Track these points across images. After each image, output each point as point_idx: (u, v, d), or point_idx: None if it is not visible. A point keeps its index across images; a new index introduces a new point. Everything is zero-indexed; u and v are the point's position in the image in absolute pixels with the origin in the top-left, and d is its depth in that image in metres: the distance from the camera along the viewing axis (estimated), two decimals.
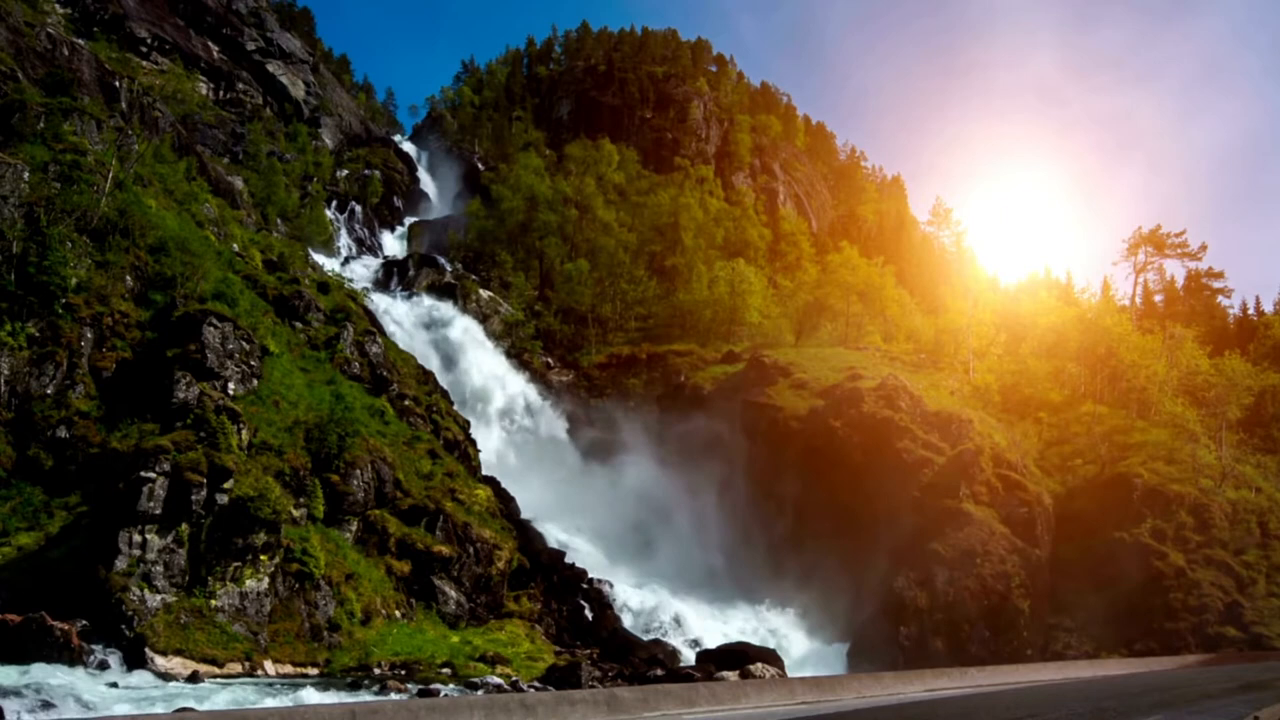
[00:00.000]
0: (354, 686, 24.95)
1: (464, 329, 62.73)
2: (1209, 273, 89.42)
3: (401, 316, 61.66)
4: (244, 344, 34.24)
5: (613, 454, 56.37)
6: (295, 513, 30.80)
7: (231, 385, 32.96)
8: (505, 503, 42.32)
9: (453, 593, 35.32)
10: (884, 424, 48.82)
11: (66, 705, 18.98)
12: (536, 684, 28.06)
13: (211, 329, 33.04)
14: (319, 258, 67.54)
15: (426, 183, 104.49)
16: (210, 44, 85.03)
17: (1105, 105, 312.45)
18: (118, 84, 55.72)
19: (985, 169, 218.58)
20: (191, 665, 24.46)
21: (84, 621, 24.34)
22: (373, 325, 49.30)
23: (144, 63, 73.68)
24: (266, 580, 27.95)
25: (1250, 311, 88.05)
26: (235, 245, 48.38)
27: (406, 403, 44.26)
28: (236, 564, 27.41)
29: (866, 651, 39.86)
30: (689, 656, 35.48)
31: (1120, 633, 41.30)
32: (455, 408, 50.51)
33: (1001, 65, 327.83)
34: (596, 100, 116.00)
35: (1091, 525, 45.61)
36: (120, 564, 25.51)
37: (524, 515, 43.25)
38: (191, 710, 16.71)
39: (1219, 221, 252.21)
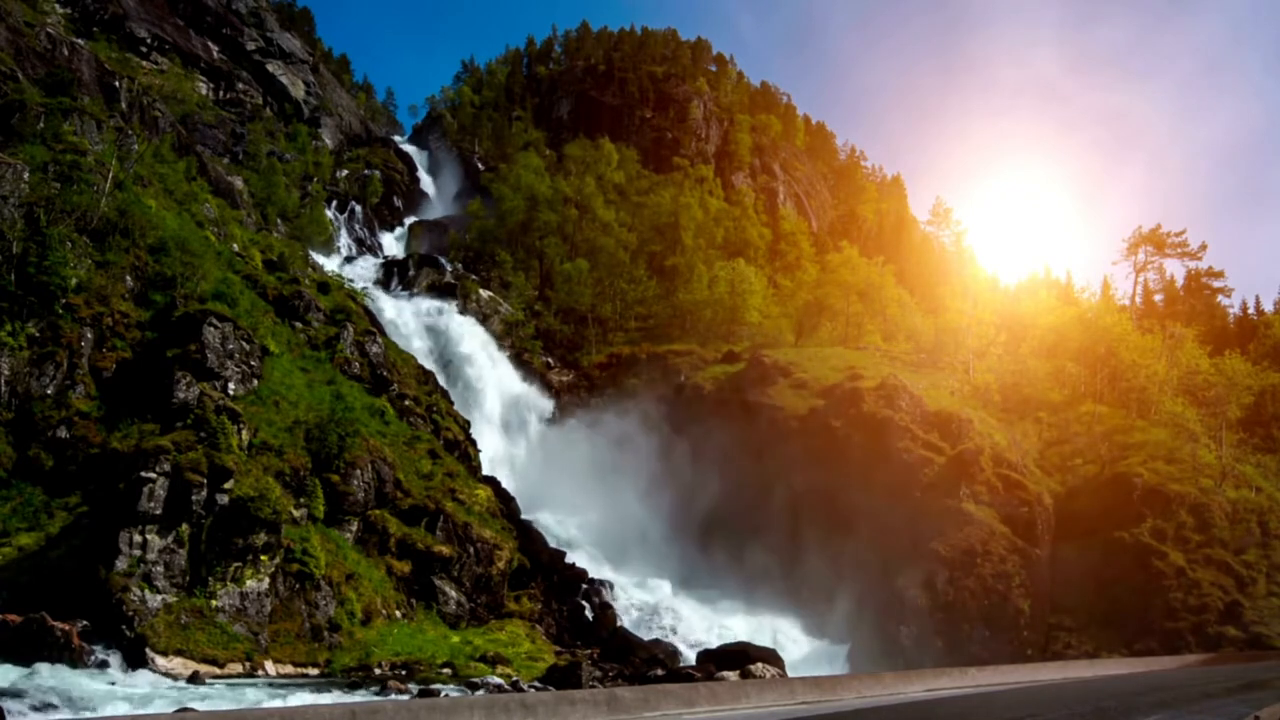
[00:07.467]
0: (354, 687, 24.99)
1: (464, 328, 62.74)
2: (1209, 272, 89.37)
3: (401, 316, 61.63)
4: (244, 344, 34.25)
5: (612, 454, 56.32)
6: (295, 513, 30.81)
7: (231, 385, 32.97)
8: (505, 503, 42.34)
9: (453, 593, 35.34)
10: (884, 424, 48.82)
11: (67, 705, 18.99)
12: (537, 684, 28.08)
13: (211, 329, 33.05)
14: (319, 258, 67.57)
15: (426, 183, 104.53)
16: (210, 44, 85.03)
17: (1105, 103, 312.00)
18: (118, 84, 55.67)
19: (985, 168, 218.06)
20: (192, 665, 24.49)
21: (84, 622, 24.36)
22: (373, 325, 49.30)
23: (144, 63, 73.65)
24: (267, 580, 27.96)
25: (1250, 311, 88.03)
26: (235, 245, 48.38)
27: (407, 403, 44.26)
28: (237, 564, 27.43)
29: (866, 651, 39.89)
30: (689, 656, 35.47)
31: (1120, 633, 41.29)
32: (455, 407, 50.52)
33: (1001, 64, 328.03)
34: (596, 100, 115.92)
35: (1091, 525, 45.57)
36: (121, 564, 25.53)
37: (524, 515, 43.27)
38: (191, 710, 16.71)
39: (1219, 221, 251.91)
